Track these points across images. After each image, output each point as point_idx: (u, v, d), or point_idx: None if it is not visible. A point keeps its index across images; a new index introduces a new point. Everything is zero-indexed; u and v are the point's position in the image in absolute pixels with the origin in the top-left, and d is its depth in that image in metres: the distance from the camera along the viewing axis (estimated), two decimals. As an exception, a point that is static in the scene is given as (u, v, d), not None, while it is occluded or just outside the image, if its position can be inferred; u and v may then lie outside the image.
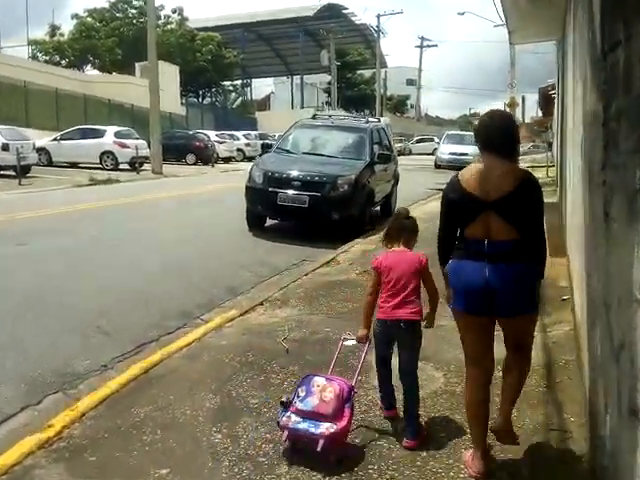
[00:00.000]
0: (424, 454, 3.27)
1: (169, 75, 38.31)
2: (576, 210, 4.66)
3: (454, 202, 3.08)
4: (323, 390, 3.24)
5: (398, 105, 79.62)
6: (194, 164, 28.74)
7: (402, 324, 3.34)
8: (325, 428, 3.13)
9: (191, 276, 7.22)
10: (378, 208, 11.58)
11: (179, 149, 28.74)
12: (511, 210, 2.94)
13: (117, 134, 23.60)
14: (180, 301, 6.24)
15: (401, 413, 3.55)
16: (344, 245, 8.89)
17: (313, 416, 3.19)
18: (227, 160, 31.94)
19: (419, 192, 16.81)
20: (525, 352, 3.19)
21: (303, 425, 3.17)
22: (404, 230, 3.55)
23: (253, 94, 66.84)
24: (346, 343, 3.72)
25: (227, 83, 57.23)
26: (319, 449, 3.08)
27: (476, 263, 2.98)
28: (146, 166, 23.31)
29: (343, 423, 3.17)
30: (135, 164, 22.52)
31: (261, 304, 6.03)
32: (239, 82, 61.00)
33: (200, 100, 52.17)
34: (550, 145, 22.12)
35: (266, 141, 20.30)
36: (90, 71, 44.05)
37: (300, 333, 5.13)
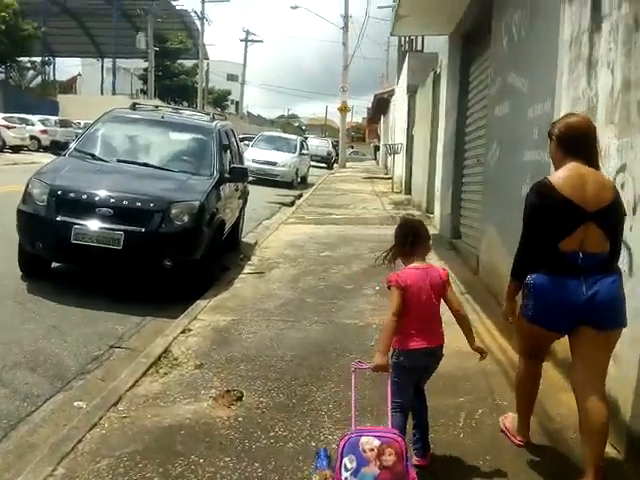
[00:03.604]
0: None
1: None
2: None
3: (550, 210, 2.84)
4: (381, 454, 2.57)
5: (218, 100, 76.11)
6: (-29, 153, 22.92)
7: (438, 351, 3.05)
8: None
9: None
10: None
11: (-49, 133, 22.82)
12: (609, 221, 2.85)
13: None
14: None
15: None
16: (183, 315, 5.57)
17: None
18: (17, 149, 26.29)
19: (260, 207, 13.77)
20: (601, 388, 2.87)
21: None
22: (425, 239, 3.14)
23: (56, 74, 59.21)
24: None
25: (24, 59, 49.30)
26: None
27: (572, 279, 2.82)
28: None
29: None
30: None
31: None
32: (39, 59, 53.16)
33: (-11, 76, 44.17)
34: (392, 153, 20.30)
35: (62, 133, 15.77)
36: None
37: None
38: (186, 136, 7.68)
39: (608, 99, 3.54)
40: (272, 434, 3.42)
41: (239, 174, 7.49)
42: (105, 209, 5.96)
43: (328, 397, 3.88)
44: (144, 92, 56.06)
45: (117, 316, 5.66)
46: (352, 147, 69.63)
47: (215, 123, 8.01)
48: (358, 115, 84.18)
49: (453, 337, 4.87)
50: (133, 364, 4.40)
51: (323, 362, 4.47)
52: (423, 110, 13.68)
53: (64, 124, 31.24)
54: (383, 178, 25.50)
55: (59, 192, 6.03)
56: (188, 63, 62.96)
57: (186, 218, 6.13)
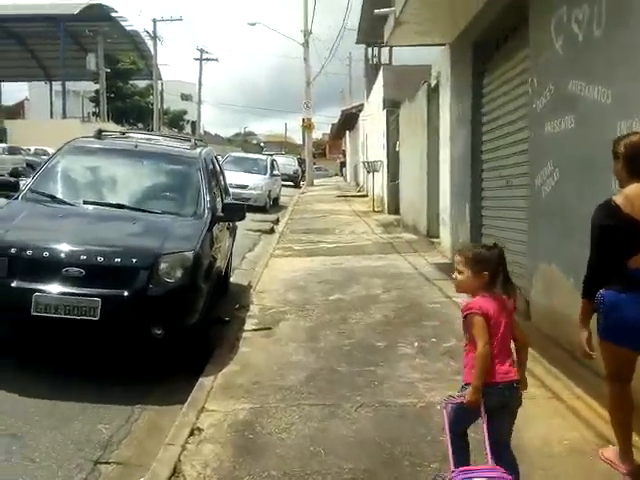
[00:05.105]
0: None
1: None
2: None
3: (615, 230, 2.96)
4: None
5: (174, 120, 74.38)
6: None
7: (516, 384, 2.81)
8: None
9: None
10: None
11: None
12: None
13: None
14: None
15: None
16: (186, 405, 4.27)
17: None
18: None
19: (238, 236, 12.35)
20: None
21: None
22: (504, 265, 2.87)
23: (2, 99, 56.94)
24: None
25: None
26: None
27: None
28: None
29: None
30: None
31: None
32: (-17, 85, 50.84)
33: None
34: (371, 171, 19.26)
35: (10, 160, 13.47)
36: None
37: None
38: (166, 168, 6.37)
39: None
40: None
41: (235, 212, 6.18)
42: (74, 269, 4.65)
43: None
44: (96, 115, 54.15)
45: (98, 409, 4.35)
46: (314, 163, 68.65)
47: (199, 150, 6.74)
48: (318, 131, 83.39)
49: (550, 427, 3.75)
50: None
51: (399, 480, 3.25)
52: (414, 125, 12.65)
53: (12, 151, 29.32)
54: (357, 196, 24.47)
55: (12, 249, 4.67)
56: (141, 84, 61.25)
57: (179, 274, 4.85)
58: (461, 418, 2.86)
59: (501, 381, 2.75)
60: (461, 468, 2.65)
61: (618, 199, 2.97)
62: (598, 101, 4.37)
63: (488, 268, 2.81)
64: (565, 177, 5.03)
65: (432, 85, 10.71)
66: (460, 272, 2.86)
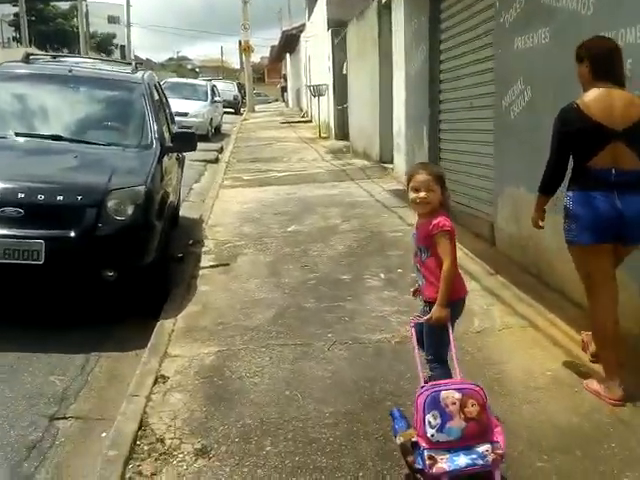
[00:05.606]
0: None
1: None
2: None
3: (577, 132, 3.01)
4: (464, 405, 2.45)
5: (102, 44, 70.26)
6: None
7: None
8: (491, 453, 2.41)
9: None
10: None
11: None
12: (638, 139, 2.96)
13: None
14: None
15: None
16: (147, 350, 3.99)
17: (464, 443, 2.42)
18: None
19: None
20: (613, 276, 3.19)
21: (462, 460, 2.39)
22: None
23: None
24: None
25: None
26: None
27: (605, 193, 2.98)
28: None
29: (502, 437, 2.48)
30: None
31: None
32: None
33: None
34: (316, 95, 18.60)
35: None
36: None
37: None
38: (107, 95, 5.78)
39: None
40: None
41: (186, 142, 5.71)
42: (11, 209, 4.20)
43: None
44: (17, 40, 50.57)
45: (49, 359, 4.03)
46: (254, 89, 66.34)
47: (141, 74, 6.16)
48: (256, 54, 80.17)
49: (530, 358, 3.66)
50: (99, 468, 2.83)
51: (382, 424, 3.08)
52: (363, 46, 12.12)
53: None
54: (301, 122, 23.86)
55: (-62, 189, 4.17)
56: (64, 5, 57.23)
57: (130, 210, 4.46)
58: (437, 339, 2.86)
59: (464, 294, 2.95)
60: (431, 382, 2.68)
61: (580, 102, 3.03)
62: (577, 12, 4.09)
63: (446, 188, 2.89)
64: (538, 95, 4.80)
65: (383, 1, 10.17)
66: (431, 190, 2.79)
